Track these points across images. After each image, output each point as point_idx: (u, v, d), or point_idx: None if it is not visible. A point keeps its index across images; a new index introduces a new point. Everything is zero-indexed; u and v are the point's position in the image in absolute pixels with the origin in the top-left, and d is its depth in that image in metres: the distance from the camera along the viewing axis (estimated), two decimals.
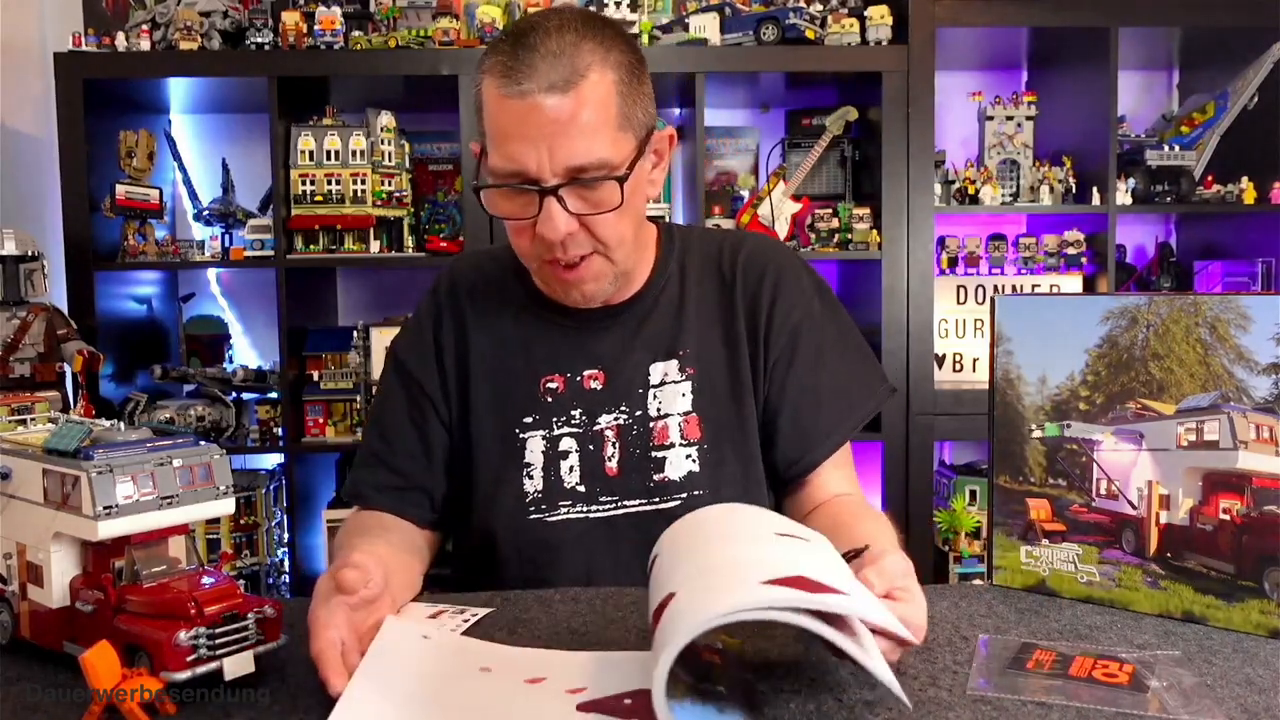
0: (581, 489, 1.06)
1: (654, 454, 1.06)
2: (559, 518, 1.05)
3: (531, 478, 1.06)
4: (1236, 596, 0.85)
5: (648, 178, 1.03)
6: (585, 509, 1.05)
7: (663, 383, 1.08)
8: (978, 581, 2.03)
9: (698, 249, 1.14)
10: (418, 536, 1.08)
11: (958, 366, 2.41)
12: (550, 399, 1.08)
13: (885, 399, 1.14)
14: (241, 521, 2.21)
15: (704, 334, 1.09)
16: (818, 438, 1.08)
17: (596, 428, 1.07)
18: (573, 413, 1.07)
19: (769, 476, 1.10)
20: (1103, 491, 0.92)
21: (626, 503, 1.05)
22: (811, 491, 1.10)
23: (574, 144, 0.92)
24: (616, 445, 1.06)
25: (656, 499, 1.05)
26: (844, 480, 1.10)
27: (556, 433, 1.07)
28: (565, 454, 1.06)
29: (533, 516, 1.05)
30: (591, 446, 1.06)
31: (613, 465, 1.06)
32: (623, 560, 1.03)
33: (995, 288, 2.37)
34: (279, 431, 2.22)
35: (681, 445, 1.06)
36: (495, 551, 1.07)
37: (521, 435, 1.07)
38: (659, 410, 1.07)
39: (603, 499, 1.05)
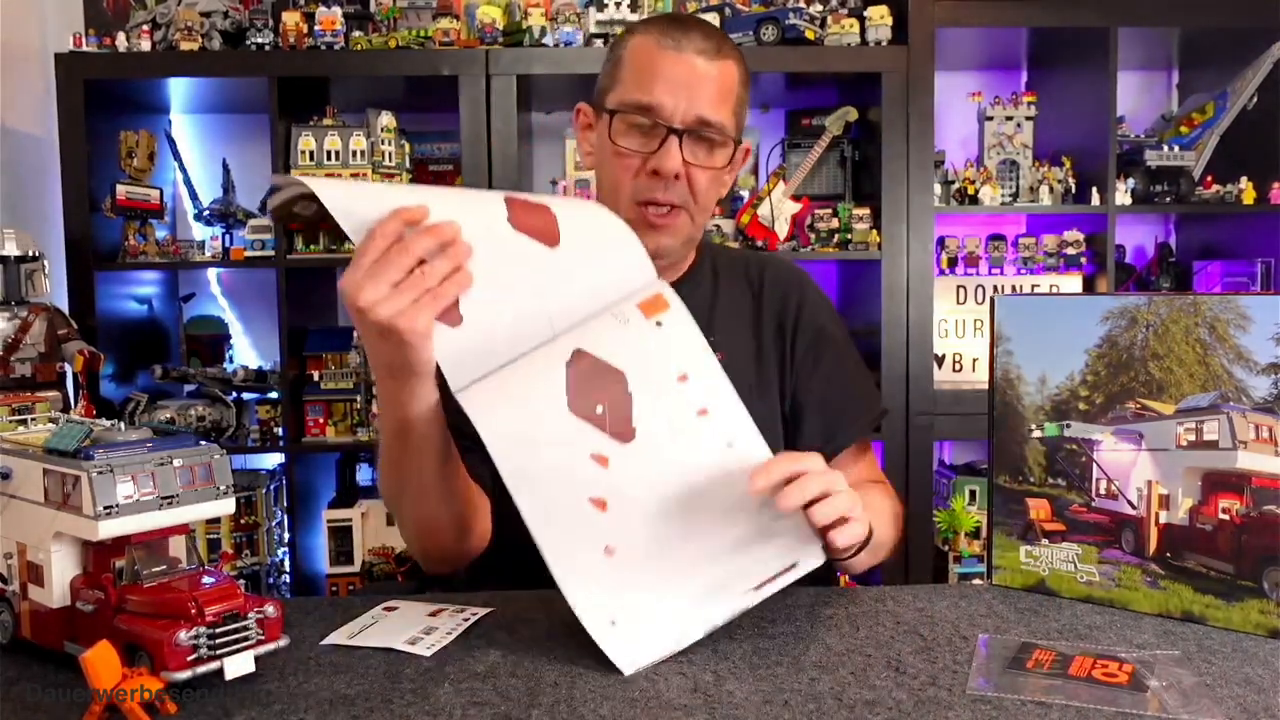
0: None
1: None
2: None
3: None
4: (1236, 596, 0.85)
5: (726, 175, 1.16)
6: None
7: None
8: (977, 581, 2.03)
9: (725, 259, 1.26)
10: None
11: (957, 366, 2.41)
12: None
13: (883, 414, 1.29)
14: (242, 521, 2.21)
15: (733, 329, 1.18)
16: (842, 424, 1.18)
17: None
18: None
19: None
20: (1102, 491, 0.92)
21: None
22: None
23: (707, 100, 1.07)
24: None
25: None
26: (866, 469, 1.21)
27: None
28: None
29: None
30: None
31: None
32: None
33: (995, 288, 2.37)
34: (279, 431, 2.22)
35: None
36: (523, 533, 1.06)
37: None
38: None
39: None
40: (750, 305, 1.22)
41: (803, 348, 1.20)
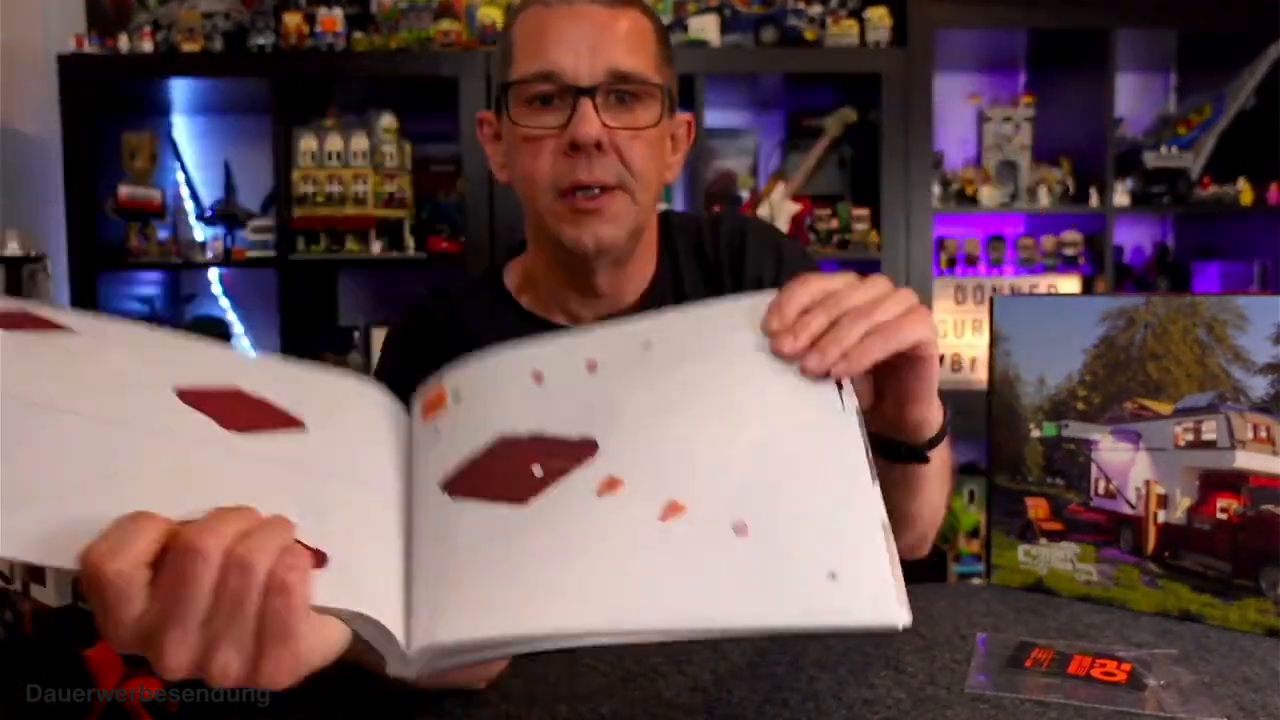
0: None
1: None
2: None
3: None
4: (1234, 595, 0.85)
5: (669, 153, 0.99)
6: None
7: None
8: (976, 580, 2.03)
9: (679, 237, 1.08)
10: None
11: (956, 366, 2.42)
12: None
13: None
14: None
15: None
16: None
17: None
18: None
19: None
20: (1100, 491, 0.93)
21: None
22: None
23: (616, 48, 0.89)
24: None
25: None
26: None
27: None
28: None
29: None
30: None
31: None
32: None
33: (993, 288, 2.38)
34: None
35: None
36: None
37: None
38: None
39: None
40: (711, 289, 1.04)
41: None
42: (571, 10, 0.90)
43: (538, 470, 0.52)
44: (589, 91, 0.88)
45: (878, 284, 0.64)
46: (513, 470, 0.52)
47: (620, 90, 0.90)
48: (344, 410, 0.57)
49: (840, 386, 0.56)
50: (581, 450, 0.52)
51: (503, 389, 0.58)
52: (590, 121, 0.88)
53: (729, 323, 0.59)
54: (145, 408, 0.47)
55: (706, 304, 0.61)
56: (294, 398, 0.54)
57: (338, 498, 0.48)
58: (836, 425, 0.54)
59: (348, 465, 0.53)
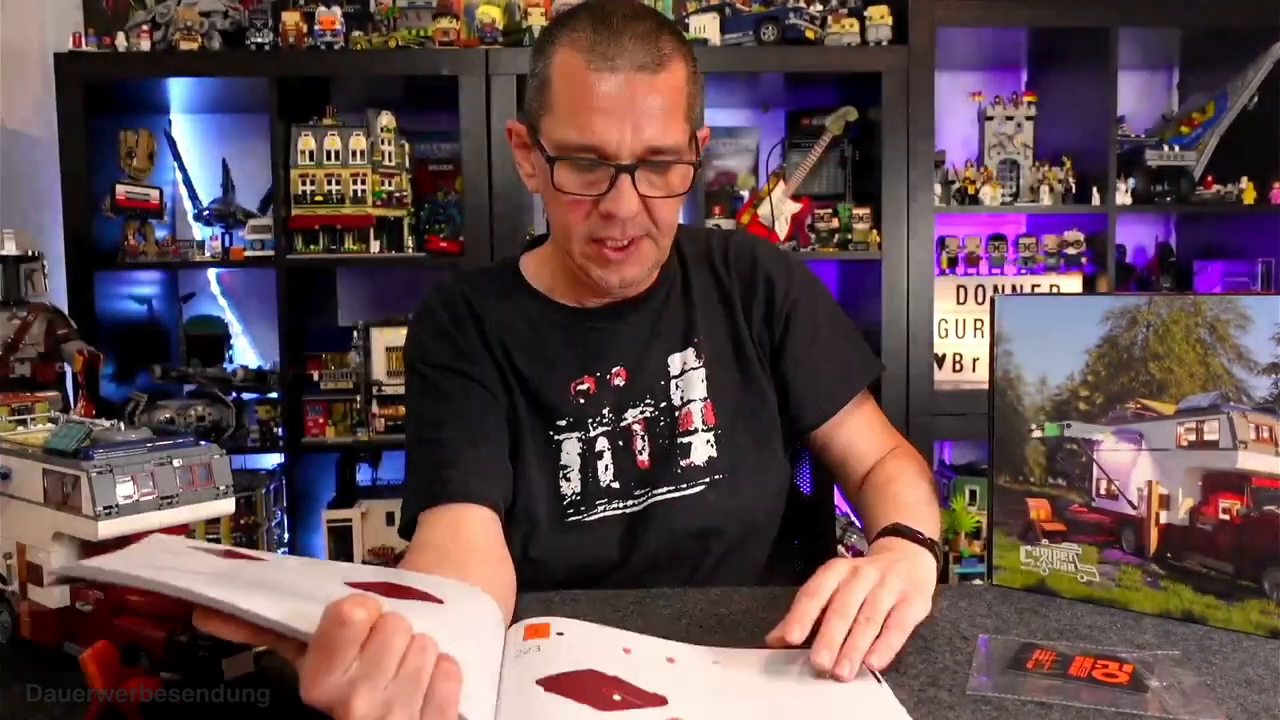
0: (616, 485, 1.06)
1: (680, 440, 1.08)
2: (596, 517, 1.06)
3: (569, 479, 1.06)
4: (1236, 596, 0.85)
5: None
6: (621, 505, 1.06)
7: (683, 372, 1.10)
8: (978, 581, 2.03)
9: (691, 248, 1.17)
10: (496, 528, 0.99)
11: (958, 366, 2.41)
12: (583, 400, 1.08)
13: (879, 366, 1.20)
14: (241, 521, 2.21)
15: (710, 321, 1.12)
16: (838, 383, 1.12)
17: (624, 423, 1.08)
18: (603, 412, 1.08)
19: (797, 448, 1.15)
20: (1103, 491, 0.92)
21: (656, 492, 1.06)
22: (846, 452, 1.13)
23: (654, 124, 0.95)
24: (645, 438, 1.08)
25: (683, 485, 1.07)
26: (877, 436, 1.14)
27: (592, 434, 1.07)
28: (600, 454, 1.07)
29: (571, 519, 1.06)
30: (621, 442, 1.07)
31: (644, 458, 1.07)
32: (649, 551, 1.05)
33: (995, 288, 2.37)
34: (279, 431, 2.22)
35: (703, 430, 1.08)
36: (528, 553, 1.05)
37: (556, 438, 1.07)
38: (682, 398, 1.09)
39: (636, 493, 1.07)
40: (720, 291, 1.14)
41: (779, 330, 1.12)
42: (616, 78, 0.93)
43: (617, 697, 0.67)
44: (629, 169, 0.95)
45: (869, 575, 0.78)
46: (597, 690, 0.67)
47: (656, 162, 0.97)
48: (468, 597, 0.73)
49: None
50: (654, 699, 0.68)
51: (598, 644, 0.75)
52: (629, 199, 0.96)
53: (781, 659, 0.76)
54: (324, 590, 0.62)
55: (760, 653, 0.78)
56: (431, 586, 0.70)
57: (461, 658, 0.60)
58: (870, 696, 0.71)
59: (470, 639, 0.67)
